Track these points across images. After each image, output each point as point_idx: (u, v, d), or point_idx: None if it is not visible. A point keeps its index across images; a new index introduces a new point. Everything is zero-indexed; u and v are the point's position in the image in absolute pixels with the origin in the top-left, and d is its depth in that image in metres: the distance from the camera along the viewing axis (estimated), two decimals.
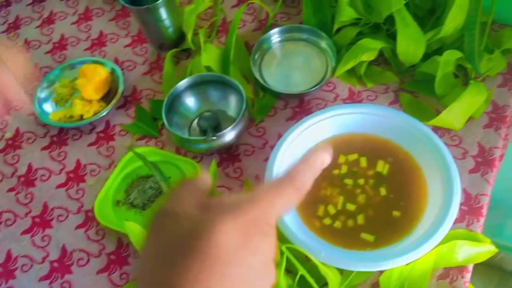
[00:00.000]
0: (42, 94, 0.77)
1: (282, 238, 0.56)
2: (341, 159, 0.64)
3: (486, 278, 1.47)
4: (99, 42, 0.84)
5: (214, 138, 0.64)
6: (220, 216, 0.29)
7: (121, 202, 0.67)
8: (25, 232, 0.68)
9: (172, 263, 0.29)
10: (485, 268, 1.48)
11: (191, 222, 0.30)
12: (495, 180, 0.90)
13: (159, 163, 0.67)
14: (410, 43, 0.66)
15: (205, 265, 0.28)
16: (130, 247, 0.64)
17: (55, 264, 0.65)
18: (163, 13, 0.74)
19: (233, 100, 0.71)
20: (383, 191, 0.61)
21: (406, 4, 0.65)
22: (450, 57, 0.64)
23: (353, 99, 0.72)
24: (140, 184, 0.68)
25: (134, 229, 0.60)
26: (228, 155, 0.70)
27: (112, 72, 0.77)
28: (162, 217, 0.32)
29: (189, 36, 0.76)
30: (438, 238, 0.52)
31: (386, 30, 0.72)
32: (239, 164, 0.69)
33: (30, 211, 0.69)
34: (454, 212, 0.54)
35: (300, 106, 0.73)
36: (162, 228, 0.31)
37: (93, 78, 0.73)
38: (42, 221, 0.68)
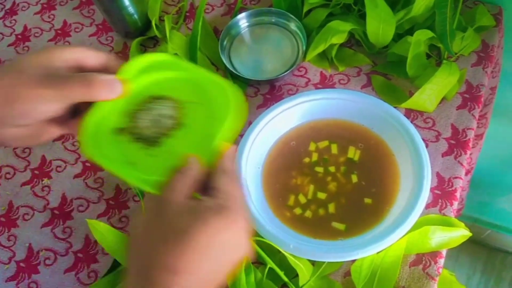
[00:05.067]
0: None
1: (251, 230, 0.55)
2: (312, 146, 0.62)
3: (473, 255, 1.47)
4: (63, 32, 0.81)
5: None
6: (211, 217, 0.37)
7: (125, 130, 0.44)
8: None
9: (164, 240, 0.36)
10: (473, 245, 1.48)
11: (185, 213, 0.37)
12: (476, 160, 0.89)
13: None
14: (380, 24, 0.63)
15: (192, 245, 0.35)
16: (98, 244, 0.62)
17: (22, 264, 0.63)
18: None
19: None
20: (354, 178, 0.59)
21: None
22: (421, 37, 0.62)
23: (325, 83, 0.70)
24: (152, 109, 0.45)
25: (99, 228, 0.58)
26: None
27: None
28: (157, 203, 0.39)
29: (153, 23, 0.73)
30: (407, 226, 0.51)
31: (357, 10, 0.70)
32: None
33: None
34: (423, 199, 0.52)
35: (271, 92, 0.71)
36: (157, 214, 0.38)
37: None
38: (8, 221, 0.66)
